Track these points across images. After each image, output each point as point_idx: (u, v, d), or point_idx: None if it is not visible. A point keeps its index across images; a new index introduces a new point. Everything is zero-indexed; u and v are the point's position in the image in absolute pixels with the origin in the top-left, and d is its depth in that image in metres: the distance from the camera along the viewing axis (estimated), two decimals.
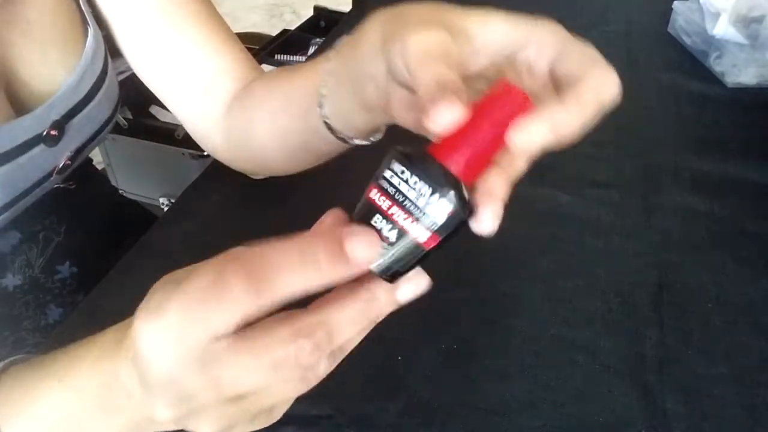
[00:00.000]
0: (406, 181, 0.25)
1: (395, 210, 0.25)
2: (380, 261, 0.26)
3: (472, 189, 0.27)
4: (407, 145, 0.26)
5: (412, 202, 0.25)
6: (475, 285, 0.54)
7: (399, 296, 0.27)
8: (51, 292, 0.59)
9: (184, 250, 0.56)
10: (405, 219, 0.25)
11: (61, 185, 0.58)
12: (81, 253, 0.61)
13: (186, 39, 0.53)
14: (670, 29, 0.95)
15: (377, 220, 0.26)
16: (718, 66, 0.84)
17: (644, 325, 0.50)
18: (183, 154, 1.28)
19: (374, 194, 0.26)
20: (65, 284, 0.60)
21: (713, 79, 0.84)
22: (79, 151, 0.53)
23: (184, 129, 0.59)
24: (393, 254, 0.26)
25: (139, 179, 1.43)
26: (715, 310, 0.52)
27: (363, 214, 0.27)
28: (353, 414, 0.45)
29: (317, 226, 0.27)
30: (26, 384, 0.32)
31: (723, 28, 0.82)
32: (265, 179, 0.62)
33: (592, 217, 0.61)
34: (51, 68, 0.50)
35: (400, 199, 0.25)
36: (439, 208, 0.25)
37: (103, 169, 1.47)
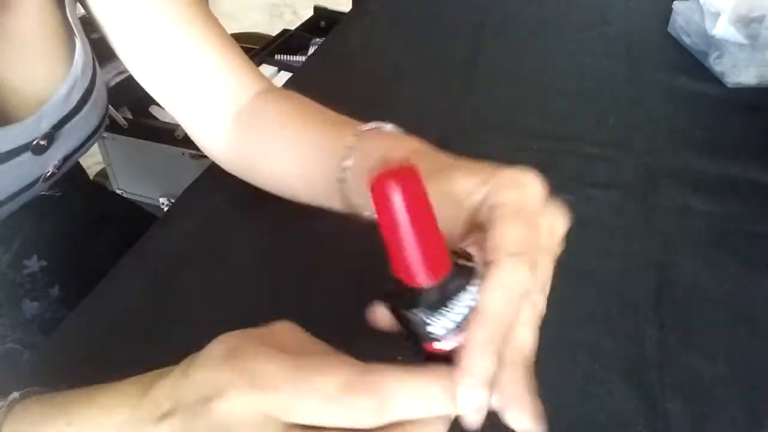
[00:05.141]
0: (443, 316, 0.27)
1: (455, 336, 0.28)
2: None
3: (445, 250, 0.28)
4: (387, 289, 0.28)
5: (460, 317, 0.28)
6: None
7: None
8: (22, 287, 0.58)
9: (184, 250, 0.56)
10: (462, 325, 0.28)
11: (47, 193, 0.57)
12: (49, 246, 0.60)
13: (186, 42, 0.52)
14: (670, 29, 0.95)
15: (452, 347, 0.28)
16: (718, 66, 0.84)
17: (644, 325, 0.50)
18: (183, 154, 1.28)
19: (437, 345, 0.28)
20: (36, 278, 0.59)
21: (713, 79, 0.84)
22: (66, 159, 0.53)
23: (184, 129, 0.58)
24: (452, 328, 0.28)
25: (138, 179, 1.43)
26: (715, 310, 0.52)
27: (444, 359, 0.28)
28: None
29: (431, 368, 0.28)
30: (35, 421, 0.31)
31: (723, 28, 0.82)
32: None
33: (592, 217, 0.61)
34: (36, 79, 0.49)
35: (454, 325, 0.28)
36: (468, 301, 0.28)
37: (103, 169, 1.47)
